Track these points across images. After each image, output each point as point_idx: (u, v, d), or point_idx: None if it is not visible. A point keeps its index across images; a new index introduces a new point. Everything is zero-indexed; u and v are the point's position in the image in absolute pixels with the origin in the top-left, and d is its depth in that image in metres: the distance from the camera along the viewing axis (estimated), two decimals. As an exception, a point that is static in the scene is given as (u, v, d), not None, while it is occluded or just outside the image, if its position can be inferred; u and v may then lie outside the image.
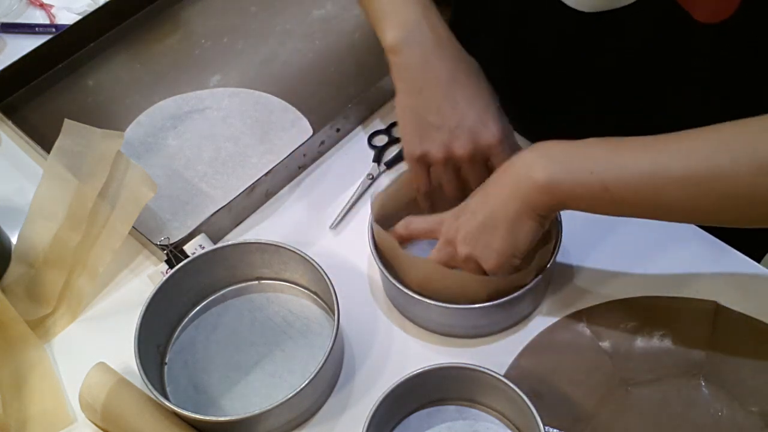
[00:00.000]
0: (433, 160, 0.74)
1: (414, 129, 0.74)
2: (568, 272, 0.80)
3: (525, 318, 0.78)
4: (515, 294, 0.73)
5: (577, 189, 0.64)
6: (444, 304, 0.75)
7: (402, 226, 0.76)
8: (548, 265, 0.75)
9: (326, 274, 0.75)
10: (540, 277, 0.74)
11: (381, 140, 0.93)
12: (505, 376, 0.69)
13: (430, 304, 0.74)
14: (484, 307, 0.74)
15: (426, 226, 0.75)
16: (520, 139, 0.91)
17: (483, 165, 0.75)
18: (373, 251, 0.77)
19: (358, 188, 0.89)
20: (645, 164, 0.61)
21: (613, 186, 0.62)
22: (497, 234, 0.68)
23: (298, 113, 0.96)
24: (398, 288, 0.75)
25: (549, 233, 0.79)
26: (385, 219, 0.79)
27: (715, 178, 0.59)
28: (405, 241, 0.77)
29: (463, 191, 0.76)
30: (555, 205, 0.66)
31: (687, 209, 0.62)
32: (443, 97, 0.73)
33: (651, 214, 0.65)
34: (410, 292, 0.75)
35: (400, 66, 0.74)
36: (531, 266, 0.74)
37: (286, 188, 0.91)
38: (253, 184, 0.86)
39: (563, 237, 0.76)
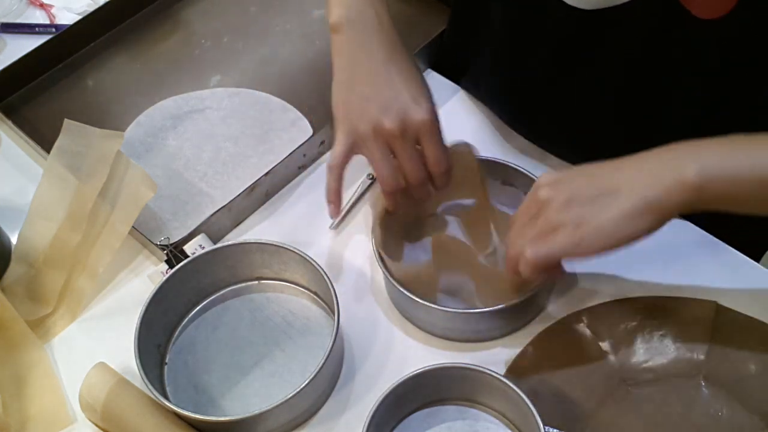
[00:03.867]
0: (362, 134, 0.73)
1: (344, 102, 0.74)
2: (569, 273, 0.80)
3: (526, 325, 0.78)
4: (518, 300, 0.73)
5: (734, 187, 0.61)
6: (445, 308, 0.75)
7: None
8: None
9: (326, 274, 0.75)
10: (543, 284, 0.74)
11: (381, 140, 0.93)
12: (505, 376, 0.69)
13: (431, 307, 0.74)
14: (485, 312, 0.74)
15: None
16: (519, 138, 0.91)
17: (413, 146, 0.73)
18: (376, 252, 0.77)
19: (358, 188, 0.89)
20: None
21: None
22: (609, 212, 0.63)
23: (298, 113, 0.96)
24: (399, 290, 0.75)
25: None
26: (390, 217, 0.79)
27: None
28: None
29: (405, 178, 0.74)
30: (696, 205, 0.62)
31: None
32: (378, 72, 0.74)
33: None
34: (411, 295, 0.75)
35: (341, 43, 0.76)
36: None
37: (286, 188, 0.91)
38: (253, 184, 0.86)
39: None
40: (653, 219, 0.63)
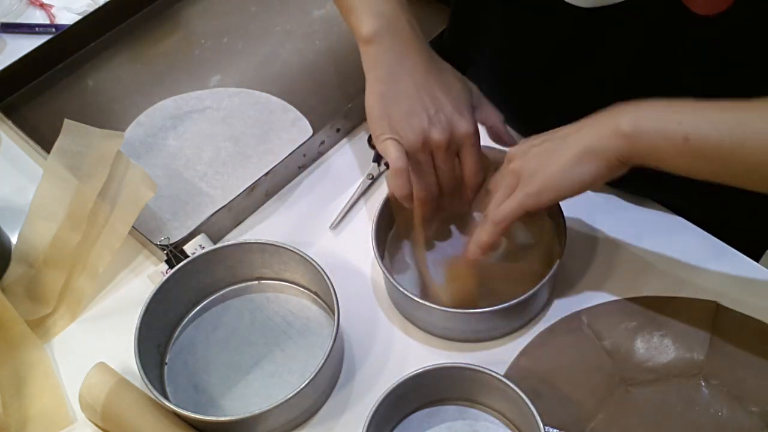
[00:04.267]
0: (411, 145, 0.74)
1: (383, 114, 0.74)
2: (568, 272, 0.80)
3: (526, 325, 0.78)
4: (518, 300, 0.73)
5: (660, 140, 0.64)
6: (445, 308, 0.75)
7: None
8: (553, 271, 0.74)
9: (326, 274, 0.75)
10: (543, 284, 0.74)
11: (381, 140, 0.93)
12: (505, 376, 0.69)
13: (431, 307, 0.74)
14: (485, 312, 0.74)
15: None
16: (519, 138, 0.91)
17: (454, 157, 0.76)
18: (375, 251, 0.77)
19: (358, 188, 0.89)
20: (728, 118, 0.62)
21: (695, 137, 0.62)
22: (556, 161, 0.68)
23: (298, 113, 0.96)
24: (399, 290, 0.75)
25: (553, 234, 0.79)
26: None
27: None
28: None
29: (441, 188, 0.77)
30: (631, 155, 0.65)
31: (765, 168, 0.62)
32: (421, 86, 0.74)
33: (725, 174, 0.65)
34: (411, 295, 0.75)
35: (376, 55, 0.75)
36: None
37: (286, 188, 0.91)
38: (253, 184, 0.86)
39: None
40: (595, 165, 0.66)
